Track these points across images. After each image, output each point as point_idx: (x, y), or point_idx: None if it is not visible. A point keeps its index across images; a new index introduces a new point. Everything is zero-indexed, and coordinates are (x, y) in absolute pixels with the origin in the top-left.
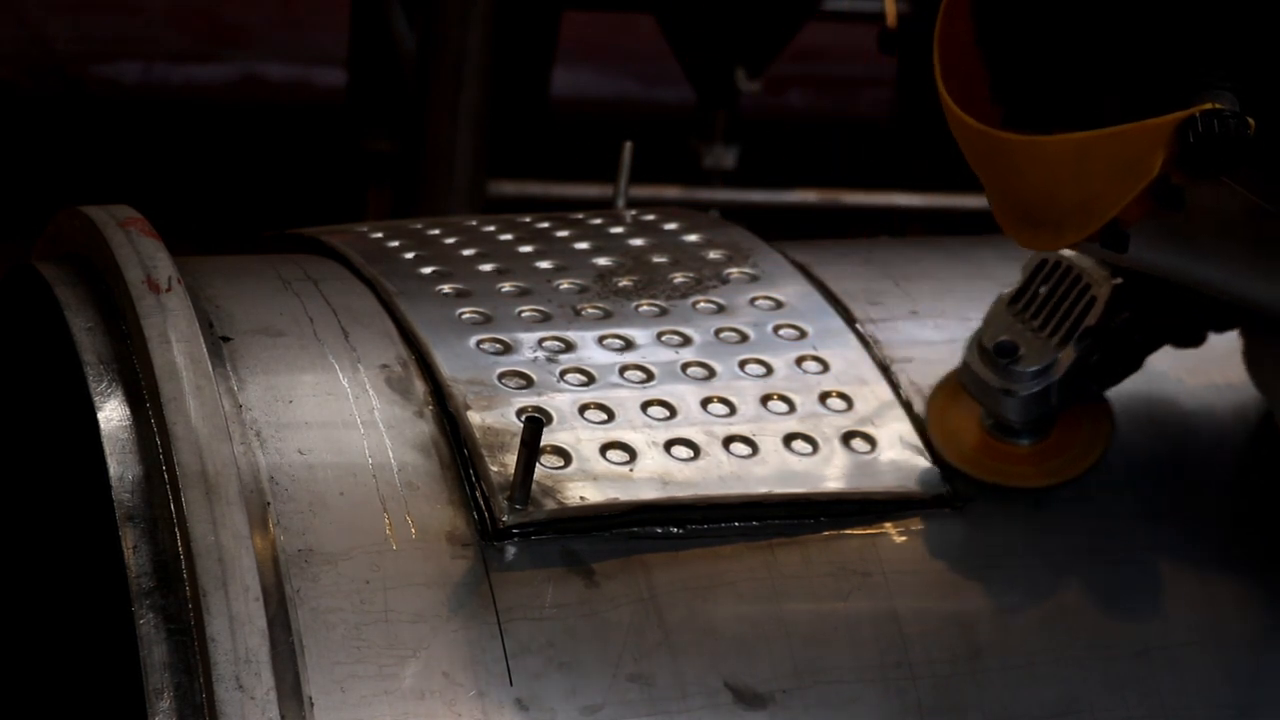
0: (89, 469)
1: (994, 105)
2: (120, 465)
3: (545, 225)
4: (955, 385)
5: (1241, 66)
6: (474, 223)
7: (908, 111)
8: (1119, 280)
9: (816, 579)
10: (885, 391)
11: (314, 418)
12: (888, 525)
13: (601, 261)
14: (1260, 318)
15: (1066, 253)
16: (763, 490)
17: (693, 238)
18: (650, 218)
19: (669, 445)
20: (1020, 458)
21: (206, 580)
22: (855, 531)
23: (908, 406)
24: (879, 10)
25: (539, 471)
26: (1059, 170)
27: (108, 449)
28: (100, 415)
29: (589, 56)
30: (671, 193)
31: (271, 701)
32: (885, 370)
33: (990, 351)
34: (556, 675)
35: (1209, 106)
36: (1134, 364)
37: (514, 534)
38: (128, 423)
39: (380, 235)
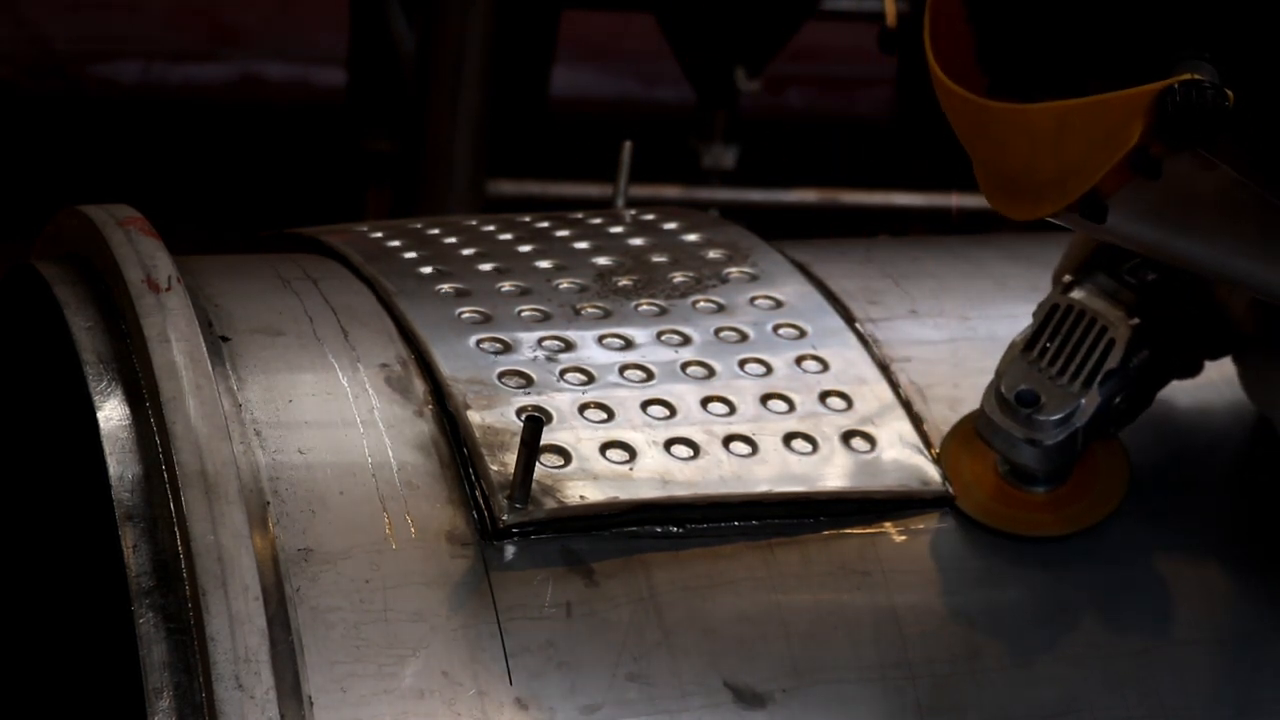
0: (89, 468)
1: (980, 74)
2: (120, 464)
3: (545, 225)
4: (967, 431)
5: (1221, 38)
6: (473, 222)
7: (908, 111)
8: (1136, 321)
9: (816, 578)
10: (885, 391)
11: (313, 417)
12: (887, 525)
13: (601, 261)
14: (1251, 341)
15: (1078, 295)
16: (763, 489)
17: (692, 237)
18: (650, 217)
19: (669, 444)
20: (1038, 505)
21: (206, 579)
22: (855, 531)
23: (907, 406)
24: (879, 10)
25: (539, 470)
26: (1039, 139)
27: (107, 448)
28: (100, 414)
29: (589, 56)
30: (671, 192)
31: (271, 701)
32: (885, 369)
33: (1011, 401)
34: (556, 674)
35: (1188, 77)
36: (1147, 401)
37: (514, 533)
38: (127, 422)
39: (379, 235)
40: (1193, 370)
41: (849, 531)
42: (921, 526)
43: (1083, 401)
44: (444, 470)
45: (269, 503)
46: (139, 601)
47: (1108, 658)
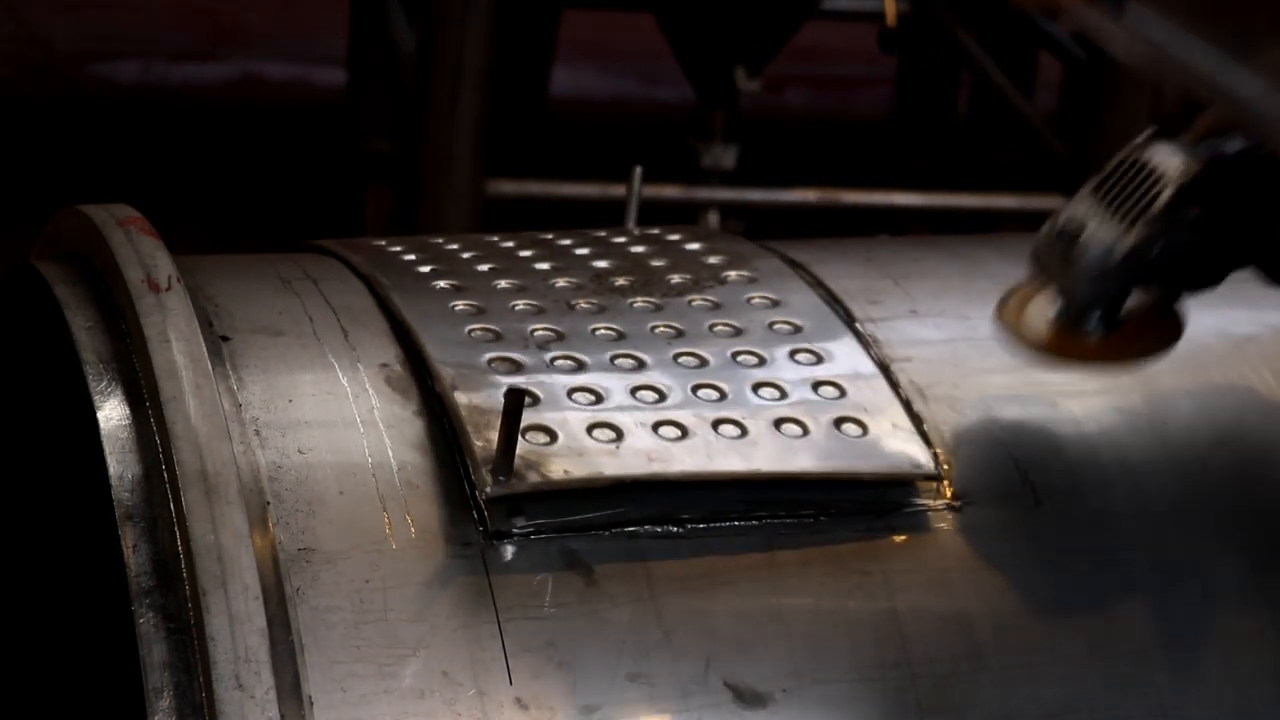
0: (89, 468)
1: None
2: (120, 464)
3: (547, 236)
4: (1026, 293)
5: None
6: (475, 235)
7: (908, 111)
8: (1190, 173)
9: (816, 578)
10: (885, 390)
11: (314, 417)
12: (888, 525)
13: (599, 264)
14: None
15: (1149, 150)
16: (751, 468)
17: (694, 246)
18: (654, 231)
19: (657, 426)
20: (1090, 347)
21: (206, 579)
22: (855, 531)
23: (907, 405)
24: (879, 10)
25: (525, 448)
26: None
27: (107, 448)
28: (100, 414)
29: (589, 56)
30: (671, 192)
31: (271, 701)
32: (885, 369)
33: (1064, 228)
34: (556, 674)
35: None
36: (1208, 276)
37: (513, 533)
38: (127, 422)
39: (382, 244)
40: (1212, 279)
41: (849, 531)
42: (921, 526)
43: (1125, 238)
44: (444, 470)
45: (269, 503)
46: (139, 601)
47: (1108, 658)
